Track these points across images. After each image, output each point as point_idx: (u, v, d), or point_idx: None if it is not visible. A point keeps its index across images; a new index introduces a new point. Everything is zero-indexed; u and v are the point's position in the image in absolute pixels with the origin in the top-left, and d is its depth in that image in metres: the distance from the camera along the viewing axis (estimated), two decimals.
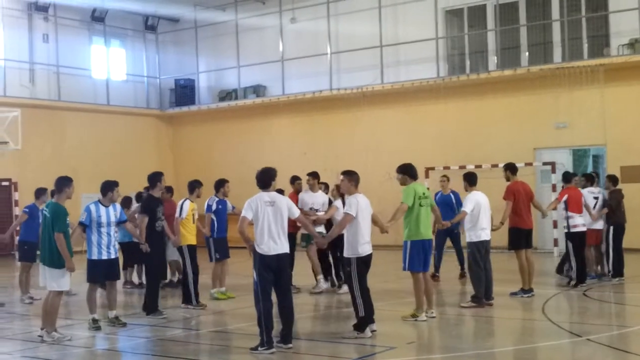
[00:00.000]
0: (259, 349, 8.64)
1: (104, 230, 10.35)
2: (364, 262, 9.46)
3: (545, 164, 19.69)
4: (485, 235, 11.55)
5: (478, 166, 19.13)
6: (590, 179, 14.39)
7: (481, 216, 11.47)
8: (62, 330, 9.98)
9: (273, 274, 8.69)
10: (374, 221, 9.83)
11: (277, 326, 8.85)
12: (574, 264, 13.24)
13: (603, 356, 8.53)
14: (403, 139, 21.91)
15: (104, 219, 10.34)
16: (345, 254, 9.57)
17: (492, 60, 21.32)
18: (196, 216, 12.48)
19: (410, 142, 21.59)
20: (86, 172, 23.91)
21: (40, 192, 13.30)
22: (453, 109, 21.43)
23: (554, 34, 20.81)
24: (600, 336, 9.28)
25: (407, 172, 10.52)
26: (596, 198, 14.01)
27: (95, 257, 10.35)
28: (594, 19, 20.36)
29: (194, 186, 12.53)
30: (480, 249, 11.53)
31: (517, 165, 19.00)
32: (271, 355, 8.54)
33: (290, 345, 8.74)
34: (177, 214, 12.30)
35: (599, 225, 13.99)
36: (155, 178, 11.58)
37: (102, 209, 10.41)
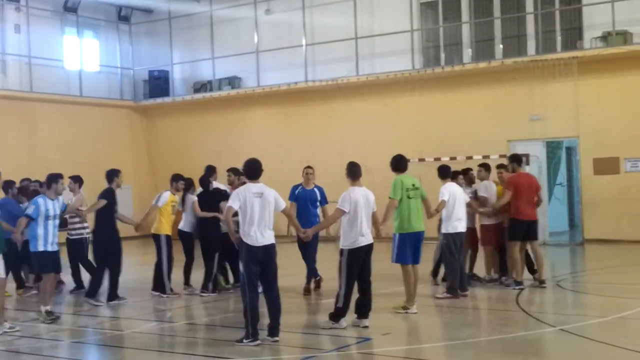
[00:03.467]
0: (244, 341, 8.62)
1: (50, 223, 10.44)
2: (356, 255, 9.39)
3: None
4: (461, 227, 11.58)
5: (453, 158, 19.20)
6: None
7: (456, 207, 11.49)
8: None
9: (260, 265, 8.65)
10: (373, 221, 9.71)
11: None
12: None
13: (575, 345, 8.61)
14: (378, 130, 21.93)
15: (51, 212, 10.43)
16: (340, 244, 9.53)
17: (467, 52, 21.39)
18: (176, 209, 12.64)
19: (386, 134, 21.61)
20: (59, 164, 23.64)
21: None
22: (428, 101, 21.48)
23: (528, 27, 20.90)
24: (574, 326, 9.36)
25: (392, 164, 10.58)
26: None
27: (41, 249, 10.42)
28: (568, 12, 20.49)
29: (173, 180, 12.69)
30: (456, 240, 11.55)
31: (492, 157, 19.39)
32: (256, 347, 8.51)
33: (276, 338, 8.70)
34: (153, 202, 12.52)
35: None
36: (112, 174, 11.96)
37: (49, 202, 10.48)
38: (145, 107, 26.58)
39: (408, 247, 10.40)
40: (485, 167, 13.00)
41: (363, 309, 9.54)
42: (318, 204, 12.17)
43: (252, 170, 8.88)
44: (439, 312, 10.87)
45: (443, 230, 11.63)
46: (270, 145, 23.20)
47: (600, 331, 9.28)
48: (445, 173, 11.72)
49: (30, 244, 10.53)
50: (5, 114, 22.28)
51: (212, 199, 12.38)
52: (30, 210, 10.38)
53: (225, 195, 12.30)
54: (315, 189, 12.26)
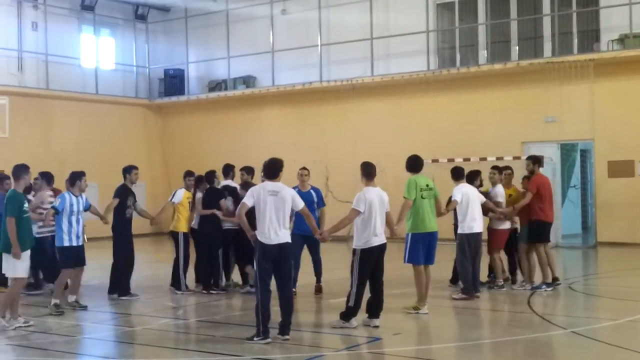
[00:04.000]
0: (255, 339, 8.66)
1: (74, 218, 10.87)
2: (368, 255, 9.39)
3: None
4: (476, 227, 11.52)
5: (467, 159, 19.16)
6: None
7: (470, 208, 11.45)
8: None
9: (273, 263, 8.68)
10: (387, 221, 9.72)
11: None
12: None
13: (586, 348, 8.58)
14: (392, 131, 21.92)
15: (75, 208, 10.88)
16: (353, 244, 9.55)
17: (483, 54, 21.34)
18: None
19: (399, 134, 21.60)
20: (74, 161, 23.81)
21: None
22: (442, 102, 21.45)
23: (544, 29, 20.84)
24: (585, 328, 9.34)
25: (407, 164, 10.61)
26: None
27: (67, 244, 10.84)
28: (585, 14, 20.41)
29: (185, 176, 12.89)
30: (470, 241, 11.49)
31: (505, 158, 19.34)
32: (266, 345, 8.54)
33: (287, 336, 8.71)
34: (169, 199, 12.75)
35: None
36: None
37: (74, 198, 10.93)
38: (160, 105, 26.70)
39: (421, 247, 10.41)
40: (498, 170, 12.85)
41: (374, 309, 9.55)
42: (315, 206, 11.88)
43: (271, 169, 8.93)
44: (450, 313, 10.87)
45: (459, 231, 11.60)
46: (284, 145, 23.22)
47: (612, 334, 9.25)
48: (458, 175, 11.70)
49: (56, 238, 10.95)
50: (22, 111, 22.44)
51: (215, 196, 12.34)
52: (57, 203, 10.86)
53: (232, 192, 12.33)
54: (312, 191, 12.06)
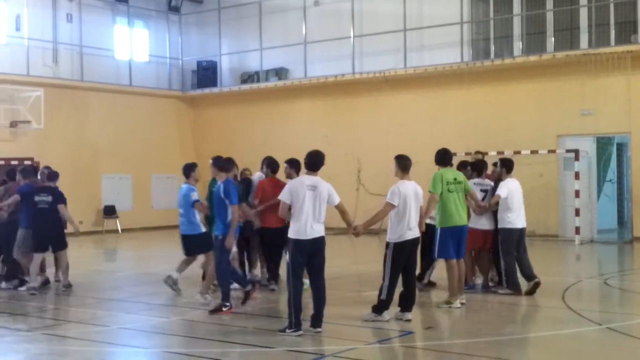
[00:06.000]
0: (287, 331, 8.66)
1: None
2: (402, 249, 9.34)
3: (568, 151, 19.48)
4: (520, 223, 11.25)
5: (500, 152, 18.94)
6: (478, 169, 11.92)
7: (514, 203, 11.19)
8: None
9: (307, 257, 8.69)
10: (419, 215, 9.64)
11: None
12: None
13: (621, 344, 8.44)
14: (425, 124, 21.78)
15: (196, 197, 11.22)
16: (387, 237, 9.50)
17: (518, 45, 21.09)
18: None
19: (433, 127, 21.46)
20: (107, 153, 24.07)
21: None
22: (476, 94, 21.25)
23: (580, 20, 20.54)
24: (621, 324, 9.19)
25: (436, 157, 10.50)
26: (484, 191, 11.62)
27: (194, 232, 11.17)
28: (622, 5, 20.04)
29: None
30: (514, 236, 11.20)
31: (540, 152, 19.12)
32: (298, 337, 8.54)
33: (319, 329, 8.71)
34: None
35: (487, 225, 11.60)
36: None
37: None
38: (193, 97, 26.80)
39: (450, 241, 10.33)
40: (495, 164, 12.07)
41: (406, 302, 9.49)
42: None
43: (311, 161, 8.86)
44: (483, 307, 10.74)
45: (499, 226, 11.38)
46: (316, 137, 23.18)
47: None
48: (509, 167, 11.45)
49: (189, 228, 11.21)
50: (57, 102, 22.67)
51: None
52: (196, 196, 11.18)
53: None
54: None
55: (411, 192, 9.41)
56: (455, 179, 10.40)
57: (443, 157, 10.54)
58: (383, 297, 9.35)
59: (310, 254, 8.70)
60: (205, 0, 26.86)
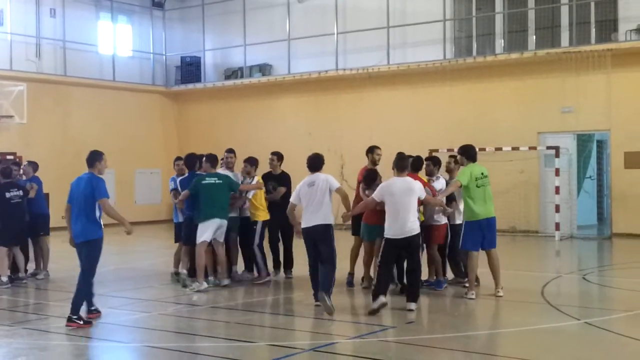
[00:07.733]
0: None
1: None
2: (392, 244, 9.72)
3: (549, 148, 19.66)
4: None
5: (482, 149, 19.02)
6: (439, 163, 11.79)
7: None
8: None
9: (313, 244, 9.82)
10: (427, 202, 10.34)
11: None
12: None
13: (599, 339, 8.59)
14: (408, 120, 21.90)
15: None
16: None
17: (499, 43, 21.24)
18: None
19: (415, 123, 21.59)
20: (90, 147, 23.81)
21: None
22: (459, 91, 21.38)
23: (562, 18, 20.70)
24: (599, 319, 9.35)
25: (464, 153, 10.78)
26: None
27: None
28: (603, 4, 20.21)
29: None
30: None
31: (521, 148, 19.29)
32: (278, 331, 8.62)
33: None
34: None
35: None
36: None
37: None
38: (177, 92, 26.78)
39: (476, 234, 10.55)
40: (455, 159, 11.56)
41: (410, 295, 9.85)
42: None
43: (312, 163, 10.04)
44: (463, 301, 10.72)
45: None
46: (299, 133, 23.28)
47: (626, 325, 9.24)
48: (470, 155, 11.43)
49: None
50: (40, 97, 22.57)
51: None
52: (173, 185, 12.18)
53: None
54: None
55: (401, 189, 9.71)
56: (482, 173, 10.67)
57: (469, 152, 10.75)
58: (373, 286, 9.90)
59: (315, 242, 9.77)
60: None
